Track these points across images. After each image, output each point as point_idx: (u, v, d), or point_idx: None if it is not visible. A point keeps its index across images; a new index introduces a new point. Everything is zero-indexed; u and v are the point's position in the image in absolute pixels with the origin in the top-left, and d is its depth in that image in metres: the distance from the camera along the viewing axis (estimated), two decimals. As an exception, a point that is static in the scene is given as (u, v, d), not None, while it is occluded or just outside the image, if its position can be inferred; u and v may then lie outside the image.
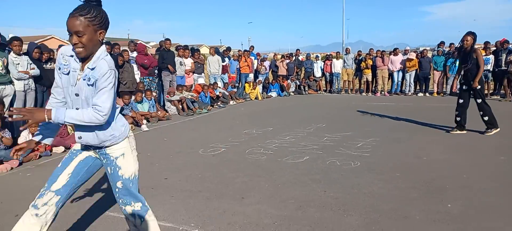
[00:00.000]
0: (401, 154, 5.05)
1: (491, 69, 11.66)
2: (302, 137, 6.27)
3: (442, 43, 13.27)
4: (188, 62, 10.84)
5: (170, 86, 9.71)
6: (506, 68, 11.08)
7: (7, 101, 5.80)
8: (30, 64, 6.21)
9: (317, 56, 15.61)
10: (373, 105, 10.31)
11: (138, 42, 10.99)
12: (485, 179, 3.93)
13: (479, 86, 6.07)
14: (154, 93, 8.93)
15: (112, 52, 8.09)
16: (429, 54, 13.79)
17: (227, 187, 3.85)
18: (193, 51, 11.62)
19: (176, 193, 3.69)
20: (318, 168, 4.48)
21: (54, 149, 5.39)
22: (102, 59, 1.93)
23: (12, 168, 4.60)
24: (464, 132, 6.26)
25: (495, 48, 11.87)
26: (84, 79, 1.92)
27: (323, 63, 14.90)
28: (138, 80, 9.09)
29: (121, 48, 9.07)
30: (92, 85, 1.92)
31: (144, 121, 7.52)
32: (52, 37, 40.86)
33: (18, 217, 2.13)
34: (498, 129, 6.08)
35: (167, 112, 8.96)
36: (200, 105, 9.76)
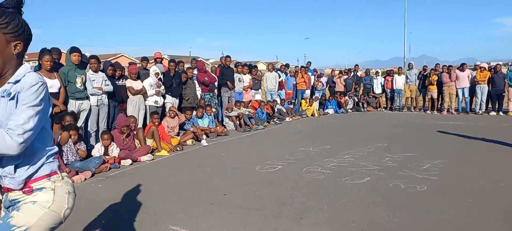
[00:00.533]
0: (473, 178, 4.65)
1: None
2: (362, 157, 6.04)
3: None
4: (247, 78, 11.07)
5: (228, 102, 9.96)
6: None
7: (83, 115, 6.34)
8: (105, 80, 6.74)
9: (377, 72, 15.10)
10: (439, 124, 9.67)
11: (199, 59, 11.48)
12: None
13: None
14: (213, 109, 9.22)
15: (177, 69, 8.52)
16: (504, 70, 12.67)
17: (284, 206, 3.81)
18: (251, 68, 11.85)
19: (235, 210, 3.72)
20: (380, 190, 4.27)
21: (122, 162, 5.75)
22: (29, 72, 1.51)
23: (85, 179, 4.99)
24: None
25: None
26: (2, 96, 1.48)
27: (383, 79, 14.35)
28: (199, 96, 9.46)
29: (185, 66, 9.54)
30: (12, 99, 1.47)
31: (204, 136, 7.77)
32: (122, 55, 44.26)
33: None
34: None
35: (225, 128, 9.18)
36: (256, 121, 9.88)
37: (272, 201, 3.98)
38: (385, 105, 14.48)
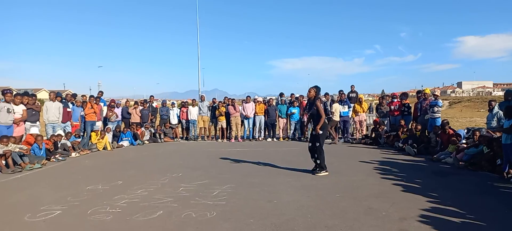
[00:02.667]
0: (255, 199, 5.17)
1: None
2: (156, 189, 5.84)
3: (282, 93, 14.85)
4: (19, 109, 9.15)
5: (-11, 138, 7.89)
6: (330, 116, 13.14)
7: None
8: None
9: (173, 103, 15.40)
10: (228, 151, 10.59)
11: None
12: (327, 217, 4.31)
13: (321, 132, 6.85)
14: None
15: None
16: (274, 103, 15.24)
17: (59, 261, 3.15)
18: (28, 95, 9.93)
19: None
20: (172, 223, 4.15)
21: None
22: None
23: None
24: (327, 173, 6.82)
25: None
26: None
27: (179, 110, 14.77)
28: None
29: None
30: None
31: None
32: None
33: None
34: (328, 173, 6.81)
35: (-16, 170, 7.17)
36: (31, 159, 8.20)
37: (41, 258, 3.22)
38: (181, 135, 14.88)
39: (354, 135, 13.05)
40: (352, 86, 14.70)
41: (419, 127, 10.61)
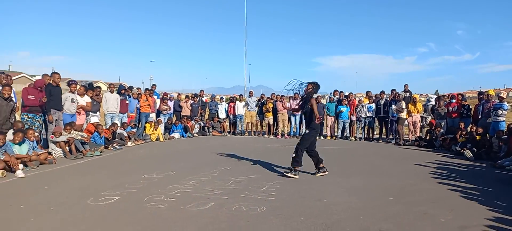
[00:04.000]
0: (303, 197, 5.12)
1: (373, 116, 13.17)
2: (207, 181, 5.99)
3: (336, 91, 14.61)
4: (83, 100, 9.83)
5: (56, 125, 8.56)
6: (385, 115, 12.65)
7: None
8: None
9: (221, 98, 15.72)
10: (275, 148, 10.60)
11: (22, 75, 9.51)
12: (380, 220, 4.16)
13: (307, 131, 6.53)
14: (36, 133, 7.75)
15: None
16: (324, 101, 15.02)
17: (120, 244, 3.34)
18: (92, 87, 10.63)
19: (54, 256, 3.04)
20: (223, 215, 4.24)
21: None
22: None
23: None
24: (326, 172, 6.55)
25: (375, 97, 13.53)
26: None
27: (227, 105, 15.05)
28: (16, 118, 7.82)
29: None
30: None
31: (21, 166, 6.38)
32: None
33: None
34: (297, 177, 6.33)
35: (51, 155, 7.79)
36: (92, 147, 8.78)
37: (104, 240, 3.44)
38: (229, 130, 15.16)
39: (407, 136, 12.47)
40: (405, 85, 14.08)
41: (481, 130, 9.90)
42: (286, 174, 6.41)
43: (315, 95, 6.80)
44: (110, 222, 3.95)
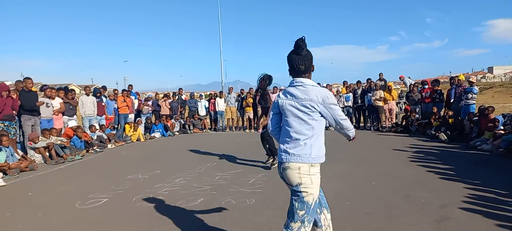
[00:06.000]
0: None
1: (351, 105, 13.50)
2: (193, 178, 6.03)
3: (319, 84, 14.83)
4: (57, 102, 9.58)
5: (32, 131, 8.33)
6: (362, 104, 13.01)
7: None
8: None
9: (201, 95, 15.67)
10: (257, 141, 10.68)
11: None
12: (367, 205, 4.34)
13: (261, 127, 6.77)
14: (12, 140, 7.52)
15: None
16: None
17: (115, 244, 3.35)
18: (66, 91, 10.38)
19: (50, 261, 3.03)
20: (214, 209, 4.30)
21: None
22: None
23: None
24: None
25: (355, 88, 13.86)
26: None
27: (207, 102, 15.03)
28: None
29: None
30: None
31: (0, 174, 6.20)
32: None
33: None
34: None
35: (34, 161, 7.59)
36: (72, 151, 8.60)
37: (99, 241, 3.44)
38: (210, 126, 15.14)
39: (385, 123, 12.86)
40: (380, 74, 14.45)
41: (451, 113, 10.35)
42: (272, 166, 6.53)
43: (269, 88, 6.96)
44: (103, 223, 3.94)
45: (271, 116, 2.66)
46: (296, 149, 2.36)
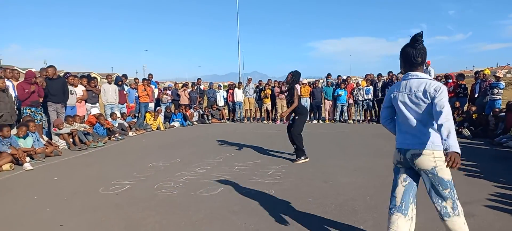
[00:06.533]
0: (310, 179, 5.24)
1: (371, 98, 13.29)
2: (213, 167, 6.09)
3: (330, 75, 14.66)
4: (79, 90, 9.81)
5: (57, 117, 8.57)
6: (383, 97, 12.78)
7: None
8: None
9: (219, 86, 15.75)
10: (275, 133, 10.71)
11: (14, 69, 9.38)
12: (387, 199, 4.28)
13: (297, 117, 6.57)
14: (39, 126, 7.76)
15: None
16: (320, 85, 15.08)
17: (137, 229, 3.43)
18: (89, 79, 10.63)
19: (77, 243, 3.13)
20: (234, 199, 4.34)
21: None
22: None
23: None
24: (307, 159, 6.52)
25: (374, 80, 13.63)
26: None
27: (226, 92, 15.10)
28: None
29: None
30: None
31: (28, 159, 6.42)
32: None
33: None
34: (307, 159, 6.49)
35: (58, 147, 7.83)
36: (95, 138, 8.82)
37: (121, 226, 3.53)
38: (228, 117, 15.23)
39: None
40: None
41: (474, 108, 10.07)
42: (297, 162, 6.44)
43: (297, 86, 6.94)
44: (125, 209, 4.03)
45: (382, 108, 2.83)
46: (425, 137, 2.49)
